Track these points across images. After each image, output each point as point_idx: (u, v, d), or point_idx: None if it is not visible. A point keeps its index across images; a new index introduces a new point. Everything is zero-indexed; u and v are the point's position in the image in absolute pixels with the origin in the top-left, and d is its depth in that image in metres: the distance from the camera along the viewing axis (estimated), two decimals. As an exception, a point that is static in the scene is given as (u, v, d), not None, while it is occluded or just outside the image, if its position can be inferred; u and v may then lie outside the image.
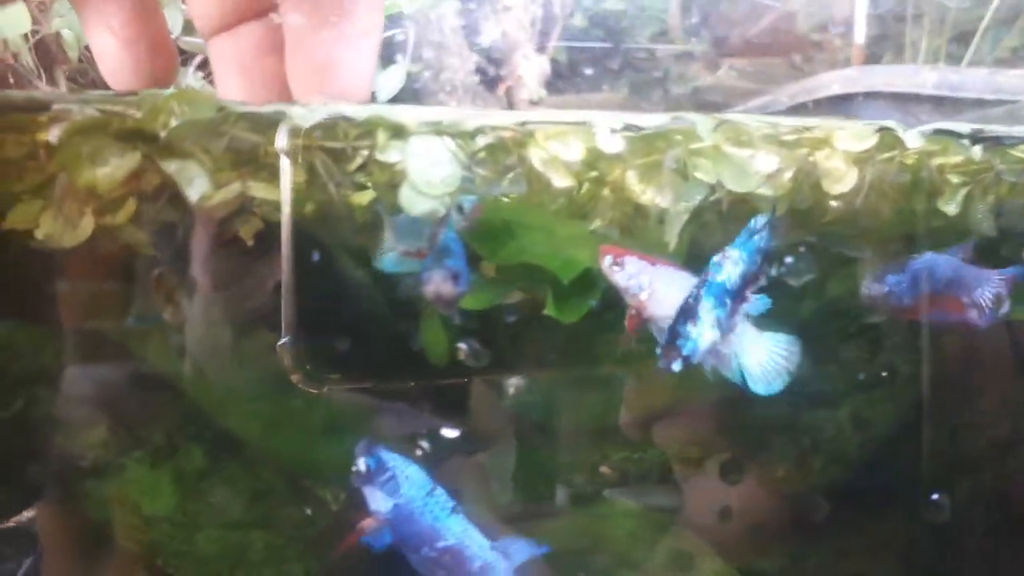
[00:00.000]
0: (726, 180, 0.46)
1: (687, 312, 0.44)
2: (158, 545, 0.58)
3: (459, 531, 0.45)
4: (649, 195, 0.46)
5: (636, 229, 0.49)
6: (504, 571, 0.45)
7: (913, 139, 0.47)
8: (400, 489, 0.45)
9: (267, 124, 0.41)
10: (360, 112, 0.41)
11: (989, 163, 0.51)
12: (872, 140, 0.46)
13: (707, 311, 0.44)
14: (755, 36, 0.92)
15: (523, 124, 0.42)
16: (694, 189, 0.46)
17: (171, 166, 0.41)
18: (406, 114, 0.42)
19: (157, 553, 0.58)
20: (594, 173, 0.46)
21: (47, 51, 0.78)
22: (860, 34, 0.88)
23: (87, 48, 0.71)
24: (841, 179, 0.46)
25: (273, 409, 0.58)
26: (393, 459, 0.46)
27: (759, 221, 0.44)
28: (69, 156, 0.40)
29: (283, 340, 0.46)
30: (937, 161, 0.50)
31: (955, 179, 0.51)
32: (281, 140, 0.41)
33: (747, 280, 0.46)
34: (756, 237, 0.45)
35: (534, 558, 0.46)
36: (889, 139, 0.47)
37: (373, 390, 0.56)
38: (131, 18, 0.44)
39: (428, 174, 0.42)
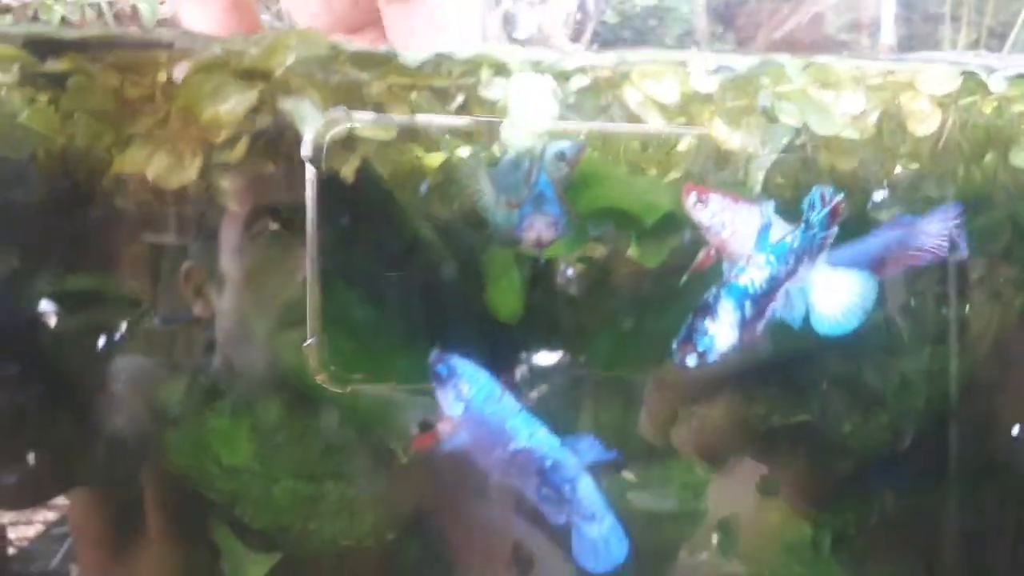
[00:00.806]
0: (812, 123, 0.47)
1: (705, 309, 0.45)
2: (236, 494, 0.61)
3: (528, 432, 0.46)
4: (737, 139, 0.48)
5: (721, 174, 0.50)
6: (574, 468, 0.46)
7: (997, 83, 0.48)
8: (470, 393, 0.47)
9: (375, 63, 0.43)
10: (464, 51, 0.43)
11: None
12: (956, 83, 0.47)
13: (727, 311, 0.45)
14: (782, 37, 0.90)
15: (619, 64, 0.44)
16: (781, 132, 0.47)
17: (287, 103, 0.43)
18: (508, 54, 0.43)
19: (235, 502, 0.61)
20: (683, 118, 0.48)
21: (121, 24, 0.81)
22: (888, 34, 0.87)
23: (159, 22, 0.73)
24: (925, 120, 0.47)
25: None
26: (463, 365, 0.47)
27: (810, 212, 0.44)
28: (192, 93, 0.42)
29: (309, 341, 0.49)
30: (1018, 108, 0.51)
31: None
32: (306, 148, 0.43)
33: (776, 282, 0.46)
34: (789, 238, 0.46)
35: (604, 459, 0.47)
36: (972, 83, 0.48)
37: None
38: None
39: (529, 110, 0.44)
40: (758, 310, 0.46)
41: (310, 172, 0.45)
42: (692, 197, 0.46)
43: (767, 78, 0.46)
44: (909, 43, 0.88)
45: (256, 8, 0.52)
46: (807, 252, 0.46)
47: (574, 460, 0.46)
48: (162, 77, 0.44)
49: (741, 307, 0.45)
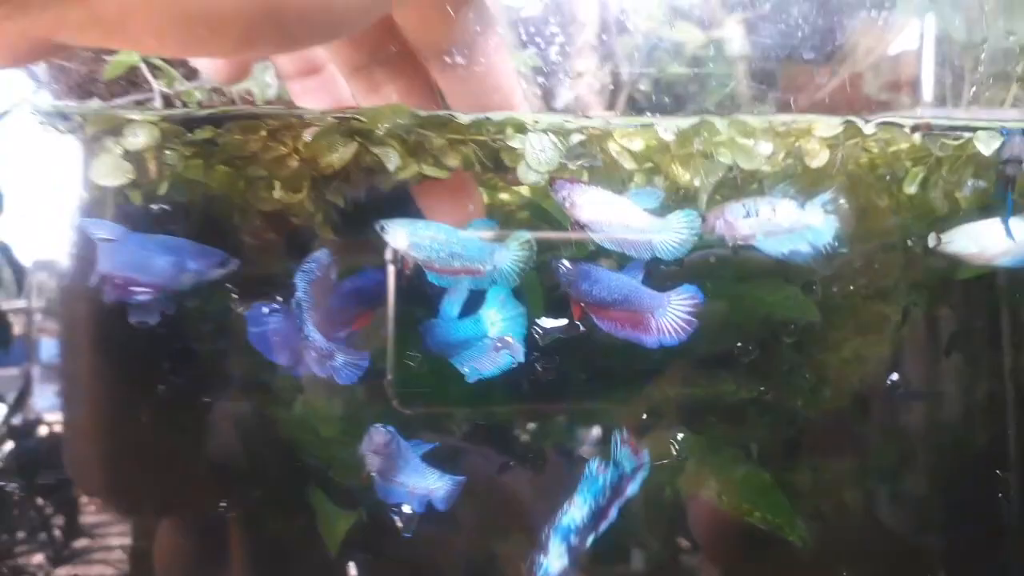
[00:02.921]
0: (739, 160, 0.67)
1: (540, 545, 0.61)
2: (330, 459, 0.79)
3: None
4: (687, 176, 0.68)
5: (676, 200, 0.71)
6: None
7: (869, 128, 0.68)
8: None
9: (438, 124, 0.64)
10: (497, 116, 0.64)
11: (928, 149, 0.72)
12: (838, 129, 0.68)
13: (556, 547, 0.60)
14: (822, 99, 0.93)
15: (606, 125, 0.65)
16: (717, 168, 0.68)
17: (378, 151, 0.64)
18: (526, 117, 0.64)
19: (329, 465, 0.79)
20: (648, 164, 0.69)
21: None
22: (928, 92, 0.90)
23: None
24: (816, 156, 0.67)
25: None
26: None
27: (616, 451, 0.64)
28: (315, 147, 0.63)
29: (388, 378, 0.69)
30: (892, 148, 0.72)
31: (907, 162, 0.73)
32: (389, 253, 0.65)
33: (598, 513, 0.61)
34: (601, 477, 0.62)
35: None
36: (852, 129, 0.69)
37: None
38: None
39: (538, 157, 0.64)
40: (583, 537, 0.61)
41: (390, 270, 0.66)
42: (556, 185, 0.62)
43: (706, 132, 0.67)
44: (949, 100, 0.91)
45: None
46: (618, 485, 0.63)
47: None
48: (288, 138, 0.65)
49: (567, 541, 0.61)
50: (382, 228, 0.62)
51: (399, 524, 0.66)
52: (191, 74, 0.86)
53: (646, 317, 0.63)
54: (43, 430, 0.86)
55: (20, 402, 0.86)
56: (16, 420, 0.86)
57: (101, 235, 0.61)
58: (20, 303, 0.87)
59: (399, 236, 0.62)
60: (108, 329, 0.74)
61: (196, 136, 0.66)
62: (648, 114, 0.91)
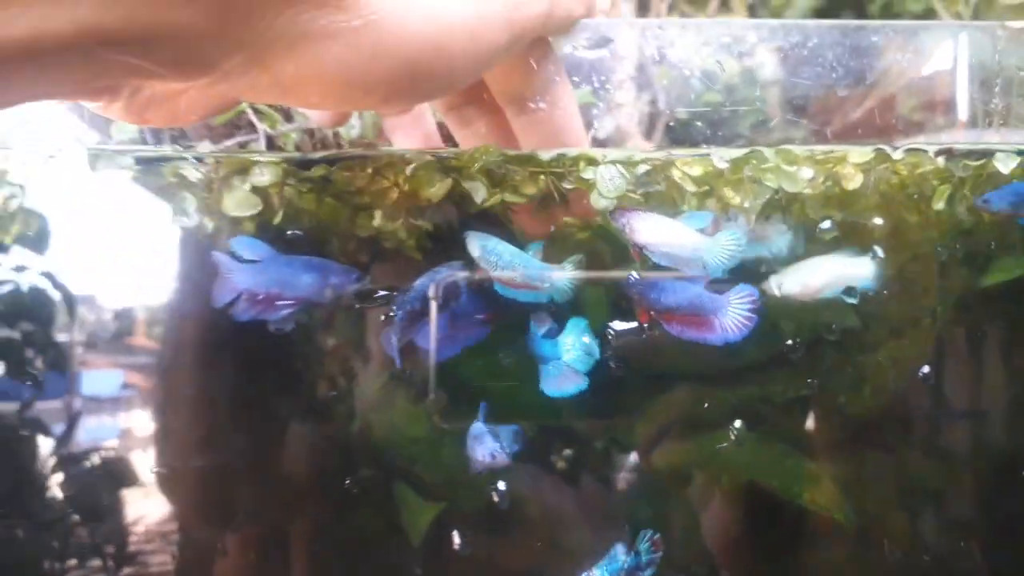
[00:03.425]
0: (784, 184, 0.77)
1: None
2: (415, 457, 0.88)
3: None
4: (738, 198, 0.78)
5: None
6: None
7: (897, 155, 0.78)
8: None
9: (522, 161, 0.75)
10: (571, 152, 0.74)
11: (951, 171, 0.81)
12: (870, 155, 0.77)
13: None
14: (855, 120, 0.95)
15: (667, 156, 0.75)
16: (764, 191, 0.77)
17: (468, 184, 0.74)
18: (596, 153, 0.74)
19: (414, 463, 0.87)
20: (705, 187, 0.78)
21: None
22: (963, 111, 0.91)
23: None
24: (852, 179, 0.77)
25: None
26: None
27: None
28: (417, 181, 0.74)
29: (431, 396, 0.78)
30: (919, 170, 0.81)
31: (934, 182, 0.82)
32: (431, 292, 0.74)
33: None
34: (622, 558, 0.69)
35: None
36: (882, 156, 0.78)
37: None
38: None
39: (607, 186, 0.75)
40: None
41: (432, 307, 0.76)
42: (616, 214, 0.71)
43: (755, 160, 0.77)
44: (982, 120, 0.93)
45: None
46: (633, 571, 0.70)
47: None
48: (390, 173, 0.76)
49: None
50: (466, 235, 0.72)
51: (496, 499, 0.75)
52: (288, 117, 0.97)
53: (710, 318, 0.71)
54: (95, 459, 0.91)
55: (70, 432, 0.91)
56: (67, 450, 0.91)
57: (249, 256, 0.71)
58: (67, 335, 0.91)
59: (474, 246, 0.73)
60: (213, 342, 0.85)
61: (313, 173, 0.77)
62: (685, 144, 0.97)
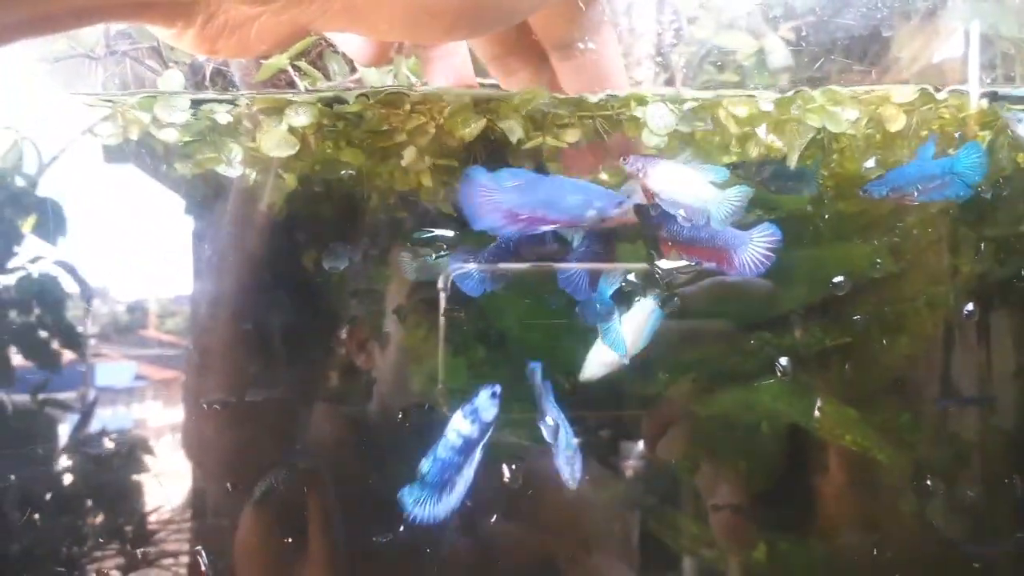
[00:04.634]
0: (828, 125, 0.76)
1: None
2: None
3: None
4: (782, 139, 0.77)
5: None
6: None
7: (941, 96, 0.77)
8: None
9: (571, 103, 0.73)
10: (620, 93, 0.73)
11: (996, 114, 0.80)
12: (914, 95, 0.77)
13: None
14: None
15: (716, 95, 0.74)
16: (807, 131, 0.77)
17: (504, 124, 0.73)
18: (646, 92, 0.73)
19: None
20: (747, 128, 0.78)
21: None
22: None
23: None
24: (895, 120, 0.77)
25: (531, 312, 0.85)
26: None
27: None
28: (454, 122, 0.73)
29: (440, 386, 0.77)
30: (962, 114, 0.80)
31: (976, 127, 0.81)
32: (440, 284, 0.74)
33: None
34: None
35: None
36: (925, 96, 0.78)
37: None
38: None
39: (658, 123, 0.74)
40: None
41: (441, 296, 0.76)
42: (628, 160, 0.70)
43: (800, 100, 0.76)
44: None
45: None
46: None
47: None
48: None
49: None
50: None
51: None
52: (327, 75, 0.95)
53: (730, 252, 0.70)
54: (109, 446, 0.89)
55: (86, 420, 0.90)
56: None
57: (511, 182, 0.69)
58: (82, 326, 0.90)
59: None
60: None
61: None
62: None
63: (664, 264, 0.74)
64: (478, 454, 0.68)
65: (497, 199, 0.69)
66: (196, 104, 0.78)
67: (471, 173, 0.69)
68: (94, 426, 0.89)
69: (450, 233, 0.77)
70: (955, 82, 0.87)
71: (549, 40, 0.72)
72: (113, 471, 0.89)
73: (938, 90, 0.78)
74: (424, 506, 0.66)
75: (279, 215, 0.85)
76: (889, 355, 0.89)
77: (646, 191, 0.70)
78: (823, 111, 0.76)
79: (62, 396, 0.89)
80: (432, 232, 0.77)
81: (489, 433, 0.69)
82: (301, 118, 0.75)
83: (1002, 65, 0.91)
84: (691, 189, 0.70)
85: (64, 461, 0.88)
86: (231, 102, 0.77)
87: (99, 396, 0.89)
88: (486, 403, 0.68)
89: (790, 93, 0.75)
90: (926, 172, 0.75)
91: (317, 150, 0.76)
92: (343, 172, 0.78)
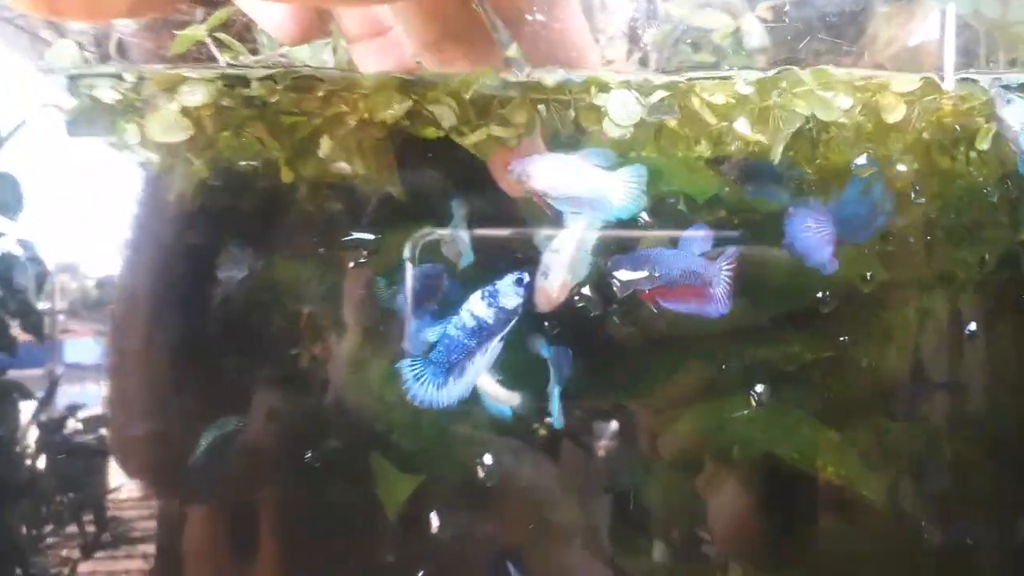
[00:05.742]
0: (817, 113, 0.66)
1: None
2: (393, 424, 0.76)
3: None
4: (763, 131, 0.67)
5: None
6: None
7: (948, 85, 0.67)
8: None
9: (525, 86, 0.62)
10: (580, 75, 0.62)
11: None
12: (917, 84, 0.67)
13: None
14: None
15: (689, 80, 0.63)
16: (794, 119, 0.66)
17: (435, 109, 0.62)
18: (608, 76, 0.62)
19: (392, 430, 0.76)
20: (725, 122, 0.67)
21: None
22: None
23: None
24: (894, 111, 0.66)
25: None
26: None
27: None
28: (375, 103, 0.61)
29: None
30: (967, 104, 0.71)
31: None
32: (406, 253, 0.64)
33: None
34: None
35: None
36: (929, 86, 0.68)
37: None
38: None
39: (621, 113, 0.62)
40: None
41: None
42: (510, 167, 0.61)
43: (786, 82, 0.65)
44: None
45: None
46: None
47: None
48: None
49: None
50: None
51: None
52: (254, 51, 0.83)
53: (706, 289, 0.64)
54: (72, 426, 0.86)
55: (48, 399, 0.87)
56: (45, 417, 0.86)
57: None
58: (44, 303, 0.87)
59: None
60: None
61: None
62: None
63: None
64: (495, 347, 0.60)
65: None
66: (73, 80, 0.65)
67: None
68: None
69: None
70: (930, 66, 0.81)
71: (499, 8, 0.61)
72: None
73: (942, 79, 0.68)
74: (424, 385, 0.59)
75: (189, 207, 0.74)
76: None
77: (535, 195, 0.62)
78: (812, 96, 0.65)
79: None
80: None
81: (510, 326, 0.60)
82: (195, 97, 0.62)
83: (985, 46, 0.85)
84: (581, 181, 0.63)
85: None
86: (118, 76, 0.65)
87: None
88: (508, 288, 0.60)
89: (773, 72, 0.64)
90: None
91: (217, 137, 0.64)
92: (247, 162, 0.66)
